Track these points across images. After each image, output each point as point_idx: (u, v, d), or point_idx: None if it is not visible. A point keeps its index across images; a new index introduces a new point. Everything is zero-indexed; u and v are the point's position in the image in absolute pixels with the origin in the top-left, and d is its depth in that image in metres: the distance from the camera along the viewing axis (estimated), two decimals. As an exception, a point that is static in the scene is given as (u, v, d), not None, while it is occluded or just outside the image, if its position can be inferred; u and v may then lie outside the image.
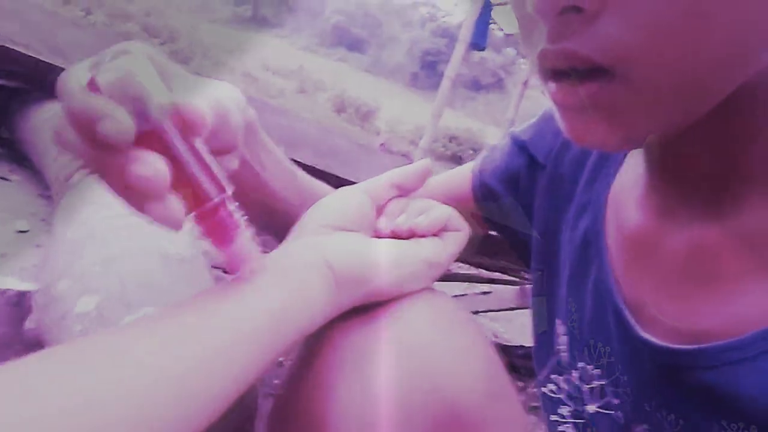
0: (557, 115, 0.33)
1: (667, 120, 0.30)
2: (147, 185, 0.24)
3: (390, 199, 0.41)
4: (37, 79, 0.97)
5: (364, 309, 0.34)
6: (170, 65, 0.32)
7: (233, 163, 0.37)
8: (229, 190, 0.29)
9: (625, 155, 0.46)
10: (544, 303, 0.52)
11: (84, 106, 0.24)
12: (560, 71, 0.30)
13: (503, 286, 2.37)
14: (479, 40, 6.90)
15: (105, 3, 11.40)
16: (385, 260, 0.35)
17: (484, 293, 2.36)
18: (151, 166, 0.24)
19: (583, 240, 0.46)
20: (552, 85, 0.31)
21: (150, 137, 0.26)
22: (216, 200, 0.28)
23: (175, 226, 0.26)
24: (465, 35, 6.32)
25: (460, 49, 6.25)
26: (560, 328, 0.48)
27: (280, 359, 0.78)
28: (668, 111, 0.30)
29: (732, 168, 0.34)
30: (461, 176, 0.61)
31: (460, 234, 0.40)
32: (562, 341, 0.48)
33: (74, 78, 0.25)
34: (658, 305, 0.38)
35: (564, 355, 0.48)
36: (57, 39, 0.95)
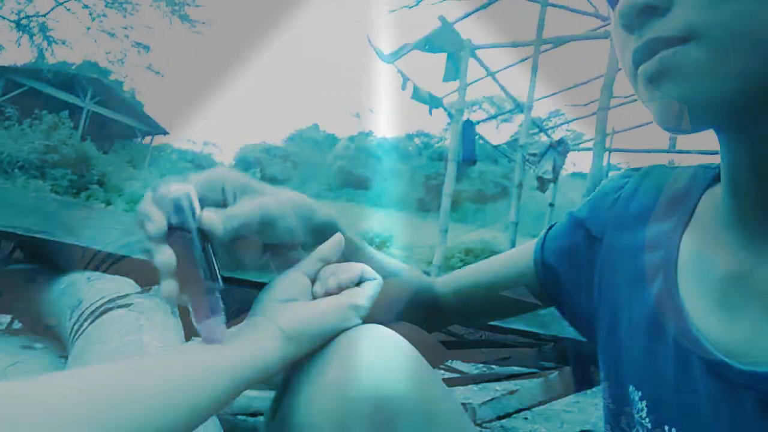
0: (654, 112, 0.40)
1: (740, 75, 0.36)
2: (162, 268, 0.41)
3: (320, 269, 0.52)
4: (54, 258, 1.14)
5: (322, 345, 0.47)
6: (246, 182, 0.49)
7: (295, 257, 0.52)
8: (220, 284, 0.44)
9: (691, 215, 0.50)
10: (615, 373, 0.54)
11: (142, 209, 0.43)
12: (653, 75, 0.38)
13: (528, 380, 2.35)
14: (470, 156, 7.28)
15: (123, 192, 12.33)
16: (319, 313, 0.47)
17: (512, 392, 2.33)
18: (166, 256, 0.41)
19: (656, 302, 0.49)
20: (649, 64, 0.38)
21: (181, 235, 0.42)
22: (209, 287, 0.43)
23: (172, 300, 0.42)
24: (454, 154, 6.71)
25: (451, 167, 6.59)
26: (635, 393, 0.50)
27: None
28: (738, 61, 0.35)
29: None
30: (524, 254, 0.65)
31: (374, 282, 0.51)
32: (641, 407, 0.49)
33: (148, 192, 0.44)
34: (755, 341, 0.40)
35: (645, 421, 0.48)
36: (70, 221, 1.13)
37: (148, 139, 21.64)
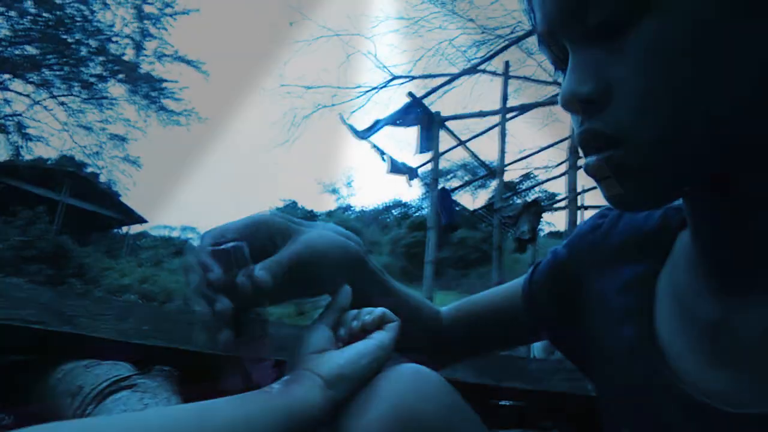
0: (600, 189, 0.41)
1: (673, 173, 0.38)
2: (220, 316, 0.46)
3: (338, 317, 0.56)
4: (51, 349, 1.14)
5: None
6: (287, 225, 0.54)
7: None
8: (267, 331, 0.49)
9: (665, 257, 0.51)
10: (609, 414, 0.54)
11: (200, 260, 0.47)
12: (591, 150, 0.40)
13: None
14: (449, 222, 7.41)
15: (101, 282, 12.14)
16: (353, 357, 0.50)
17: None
18: (224, 305, 0.46)
19: (634, 345, 0.49)
20: (588, 161, 0.40)
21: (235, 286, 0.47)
22: (260, 334, 0.49)
23: (225, 348, 0.47)
24: (433, 222, 6.83)
25: (431, 235, 6.70)
26: None
27: None
28: (669, 166, 0.37)
29: None
30: (515, 290, 0.68)
31: (395, 323, 0.55)
32: None
33: (203, 241, 0.49)
34: (739, 385, 0.40)
35: None
36: (65, 310, 1.15)
37: (126, 228, 21.53)
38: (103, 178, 18.00)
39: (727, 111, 0.35)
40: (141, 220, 21.49)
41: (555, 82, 7.47)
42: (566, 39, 0.40)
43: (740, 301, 0.42)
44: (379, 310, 0.55)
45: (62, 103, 14.19)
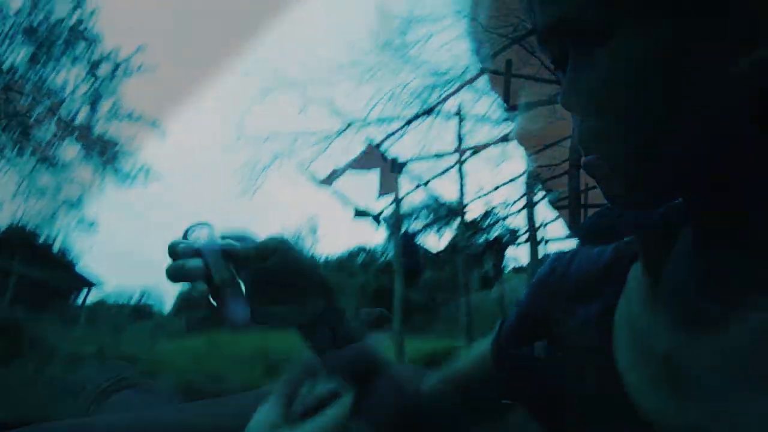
0: (600, 188, 0.43)
1: (671, 174, 0.39)
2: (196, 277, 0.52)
3: (294, 389, 0.55)
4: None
5: None
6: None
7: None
8: (239, 282, 0.55)
9: (620, 291, 0.50)
10: None
11: (171, 249, 0.53)
12: None
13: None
14: (414, 266, 7.42)
15: (59, 353, 11.57)
16: None
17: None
18: (197, 268, 0.52)
19: (592, 385, 0.49)
20: (587, 159, 0.42)
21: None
22: (231, 286, 0.54)
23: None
24: (398, 267, 6.82)
25: (398, 280, 6.68)
26: None
27: None
28: (666, 167, 0.38)
29: None
30: (483, 351, 0.65)
31: (348, 397, 0.53)
32: None
33: (179, 243, 0.54)
34: (705, 421, 0.39)
35: None
36: (12, 397, 1.09)
37: (84, 295, 20.77)
38: (57, 245, 17.39)
39: (723, 112, 0.36)
40: (98, 286, 20.78)
41: (507, 119, 7.69)
42: (561, 44, 0.42)
43: (697, 332, 0.41)
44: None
45: (13, 167, 13.79)
